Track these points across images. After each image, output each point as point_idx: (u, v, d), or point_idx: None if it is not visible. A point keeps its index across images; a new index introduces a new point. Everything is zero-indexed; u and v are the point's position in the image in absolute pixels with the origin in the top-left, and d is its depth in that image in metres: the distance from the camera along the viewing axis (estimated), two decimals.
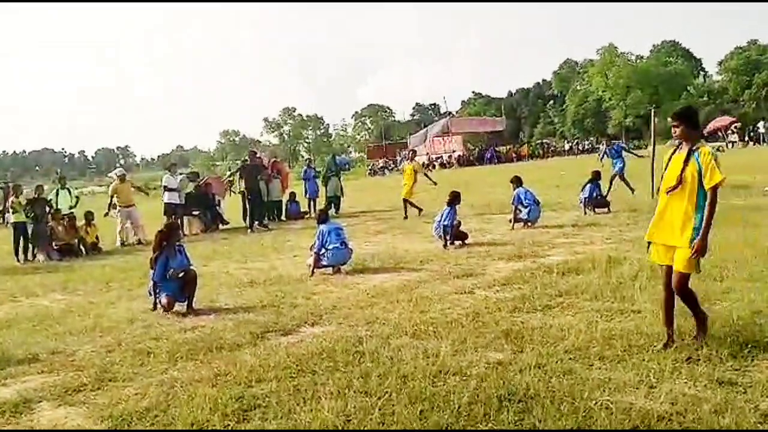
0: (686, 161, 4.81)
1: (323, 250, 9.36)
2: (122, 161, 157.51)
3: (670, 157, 5.01)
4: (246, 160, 19.70)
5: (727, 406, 3.87)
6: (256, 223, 17.00)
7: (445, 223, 11.08)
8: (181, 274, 7.82)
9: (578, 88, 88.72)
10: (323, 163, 24.05)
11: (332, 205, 19.62)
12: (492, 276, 8.35)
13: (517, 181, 13.33)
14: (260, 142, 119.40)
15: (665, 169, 5.02)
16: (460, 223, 11.34)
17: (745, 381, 4.28)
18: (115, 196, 16.27)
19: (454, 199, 11.44)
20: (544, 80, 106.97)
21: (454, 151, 62.24)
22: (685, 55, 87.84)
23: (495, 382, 4.47)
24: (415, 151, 22.70)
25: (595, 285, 7.07)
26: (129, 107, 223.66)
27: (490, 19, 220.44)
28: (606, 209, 14.15)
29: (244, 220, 18.05)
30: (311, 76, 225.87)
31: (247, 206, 17.45)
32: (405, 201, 16.62)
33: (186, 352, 5.94)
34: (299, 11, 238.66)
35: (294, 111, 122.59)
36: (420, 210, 16.28)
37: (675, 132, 4.97)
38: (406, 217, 16.25)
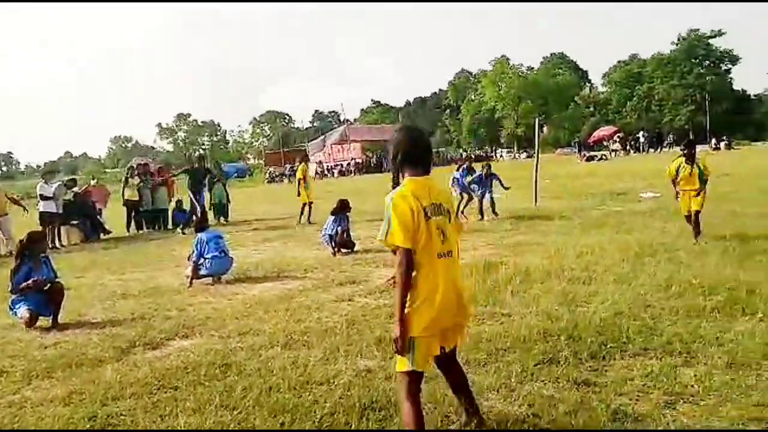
0: None
1: (202, 260, 9.03)
2: (4, 168, 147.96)
3: None
4: (132, 167, 19.49)
5: (580, 407, 3.96)
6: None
7: (330, 232, 11.04)
8: (47, 287, 7.35)
9: (473, 98, 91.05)
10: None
11: (218, 212, 19.18)
12: (374, 283, 8.31)
13: None
14: (154, 148, 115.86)
15: None
16: (346, 231, 11.26)
17: (602, 380, 4.42)
18: None
19: (341, 208, 11.39)
20: (441, 90, 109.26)
21: (353, 159, 62.52)
22: (572, 67, 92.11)
23: (360, 390, 4.42)
24: (306, 156, 22.51)
25: (471, 290, 7.17)
26: (12, 111, 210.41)
27: (389, 29, 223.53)
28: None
29: (128, 229, 17.74)
30: (207, 81, 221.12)
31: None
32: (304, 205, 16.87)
33: (42, 370, 5.56)
34: (195, 18, 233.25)
35: (189, 117, 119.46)
36: (299, 217, 16.88)
37: None
38: (299, 222, 16.57)
